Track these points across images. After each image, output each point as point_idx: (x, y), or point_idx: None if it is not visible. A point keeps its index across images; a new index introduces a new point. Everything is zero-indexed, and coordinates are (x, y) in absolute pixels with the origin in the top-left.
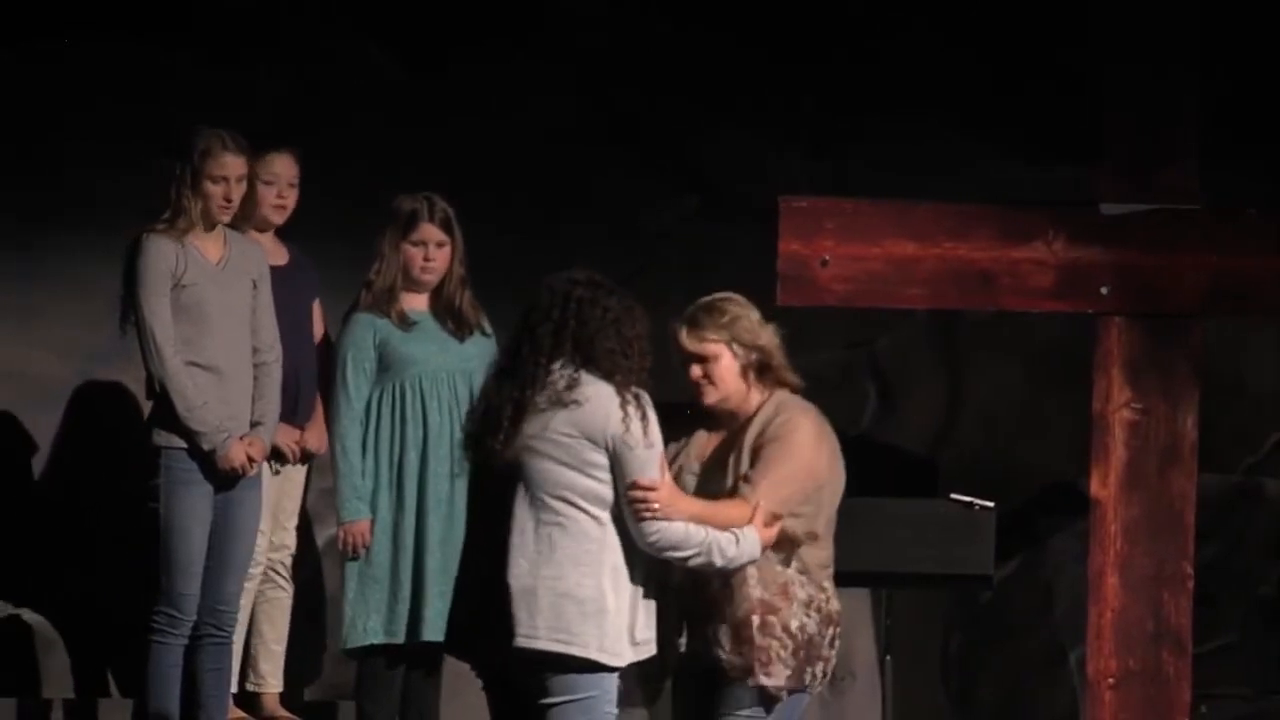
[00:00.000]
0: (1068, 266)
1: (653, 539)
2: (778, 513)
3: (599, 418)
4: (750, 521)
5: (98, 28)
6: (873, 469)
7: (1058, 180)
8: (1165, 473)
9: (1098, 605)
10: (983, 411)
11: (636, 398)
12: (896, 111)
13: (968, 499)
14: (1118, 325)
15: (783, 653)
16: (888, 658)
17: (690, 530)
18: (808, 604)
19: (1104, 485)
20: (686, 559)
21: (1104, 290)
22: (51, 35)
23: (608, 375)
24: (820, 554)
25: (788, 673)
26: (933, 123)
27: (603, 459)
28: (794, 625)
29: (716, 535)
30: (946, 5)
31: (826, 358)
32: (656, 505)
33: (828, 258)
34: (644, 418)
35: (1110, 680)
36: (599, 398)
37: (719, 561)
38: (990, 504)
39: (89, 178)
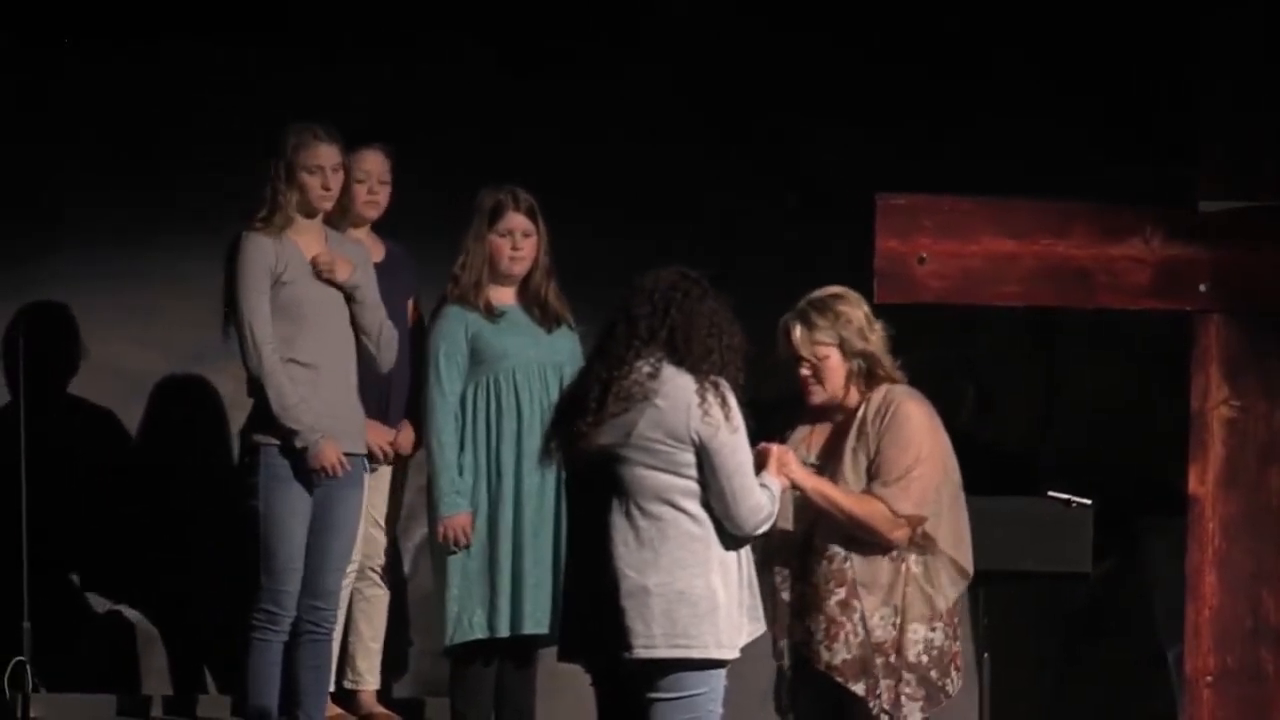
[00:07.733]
0: (1165, 264)
1: (761, 516)
2: (921, 515)
3: (680, 414)
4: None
5: (206, 29)
6: (970, 467)
7: (1156, 177)
8: (1263, 470)
9: (1196, 603)
10: (1080, 409)
11: (715, 385)
12: (994, 109)
13: (1065, 496)
14: (1216, 323)
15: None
16: (985, 655)
17: (769, 493)
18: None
19: (1202, 483)
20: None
21: (1202, 288)
22: (157, 36)
23: (694, 367)
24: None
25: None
26: (1031, 120)
27: (690, 456)
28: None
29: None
30: (1046, 5)
31: (924, 355)
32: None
33: (925, 255)
34: (724, 403)
35: (1208, 678)
36: (677, 393)
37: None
38: (1088, 501)
39: (199, 177)
